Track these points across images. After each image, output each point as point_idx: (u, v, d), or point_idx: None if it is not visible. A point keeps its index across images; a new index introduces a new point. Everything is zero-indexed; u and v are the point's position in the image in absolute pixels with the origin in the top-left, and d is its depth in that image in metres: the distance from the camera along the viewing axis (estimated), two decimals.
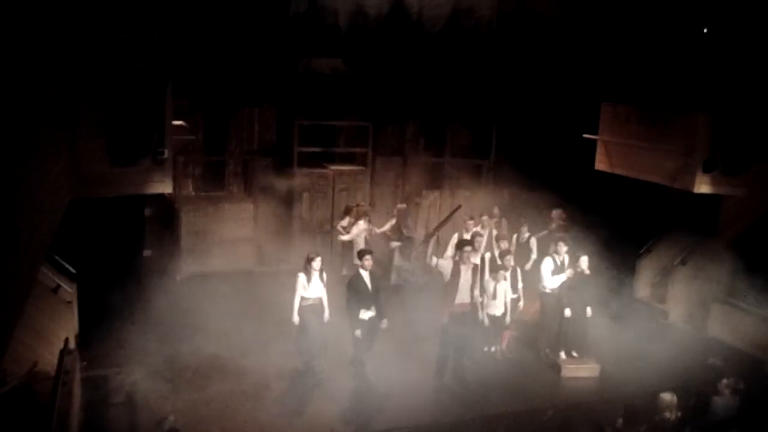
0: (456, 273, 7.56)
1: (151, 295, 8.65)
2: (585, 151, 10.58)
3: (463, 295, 7.58)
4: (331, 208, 11.44)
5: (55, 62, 6.14)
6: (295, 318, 7.37)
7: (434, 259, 7.69)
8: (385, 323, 7.56)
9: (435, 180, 12.32)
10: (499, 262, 8.39)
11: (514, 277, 8.47)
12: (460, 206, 9.33)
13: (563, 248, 8.48)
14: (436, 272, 7.70)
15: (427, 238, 7.99)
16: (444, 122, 12.36)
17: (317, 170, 11.60)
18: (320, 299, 7.51)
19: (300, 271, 7.54)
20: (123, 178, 7.28)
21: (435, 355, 7.83)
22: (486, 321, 8.11)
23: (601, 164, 10.39)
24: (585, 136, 10.43)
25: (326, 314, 7.58)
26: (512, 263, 8.43)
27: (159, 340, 8.18)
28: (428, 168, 12.36)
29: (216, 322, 8.75)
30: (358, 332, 7.35)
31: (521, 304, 8.57)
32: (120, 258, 8.54)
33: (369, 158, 11.86)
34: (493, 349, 8.51)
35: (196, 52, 9.77)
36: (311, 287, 7.42)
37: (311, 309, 7.42)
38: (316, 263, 7.43)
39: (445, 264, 7.64)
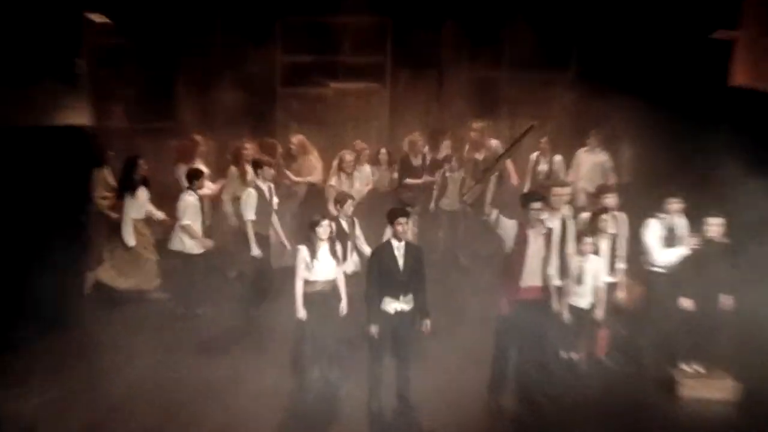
0: (521, 241, 7.22)
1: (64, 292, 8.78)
2: (713, 59, 10.42)
3: (531, 276, 7.30)
4: (331, 145, 11.36)
5: None
6: (300, 312, 7.42)
7: (494, 213, 7.29)
8: (427, 325, 7.38)
9: (487, 103, 12.17)
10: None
11: (613, 249, 8.21)
12: (532, 126, 8.94)
13: (676, 205, 8.31)
14: (496, 236, 7.39)
15: (486, 174, 7.87)
16: (500, 19, 12.29)
17: (311, 90, 11.58)
18: (333, 283, 7.53)
19: (301, 242, 7.60)
20: (18, 105, 7.33)
21: (489, 362, 7.66)
22: (566, 315, 7.91)
23: (740, 77, 10.19)
24: (715, 36, 10.25)
25: (343, 305, 7.60)
26: (611, 228, 8.10)
27: (76, 353, 8.25)
28: (476, 86, 12.24)
29: (153, 331, 8.83)
30: (374, 329, 7.16)
31: (622, 294, 8.30)
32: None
33: (388, 72, 11.90)
34: (575, 355, 8.23)
35: None
36: (318, 266, 7.39)
37: (319, 299, 7.45)
38: (323, 230, 7.35)
39: (509, 225, 7.25)
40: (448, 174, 10.92)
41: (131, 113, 10.97)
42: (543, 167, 11.16)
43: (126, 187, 9.38)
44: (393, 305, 7.16)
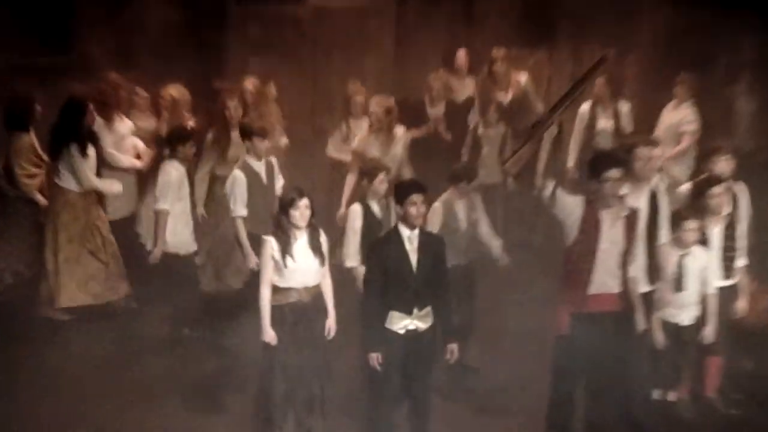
0: (591, 228, 7.17)
1: None
2: None
3: (606, 278, 7.28)
4: (311, 90, 11.66)
5: None
6: (268, 333, 7.38)
7: (550, 186, 7.29)
8: (454, 351, 7.42)
9: (539, 24, 12.30)
10: None
11: (730, 238, 8.13)
12: (604, 58, 8.87)
13: None
14: (553, 220, 7.42)
15: (536, 130, 7.79)
16: None
17: (280, 7, 11.68)
18: (315, 291, 7.53)
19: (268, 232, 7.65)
20: None
21: (544, 406, 7.63)
22: (659, 337, 7.87)
23: None
24: None
25: (329, 322, 7.61)
26: (726, 207, 8.04)
27: None
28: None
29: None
30: (374, 357, 7.18)
31: (742, 305, 8.25)
32: None
33: None
34: (673, 395, 8.26)
35: None
36: (293, 266, 7.35)
37: (295, 314, 7.42)
38: (300, 214, 7.26)
39: (572, 204, 7.24)
40: (480, 130, 10.89)
41: (7, 44, 10.95)
42: (605, 124, 11.06)
43: (71, 135, 9.22)
44: (403, 323, 7.14)
